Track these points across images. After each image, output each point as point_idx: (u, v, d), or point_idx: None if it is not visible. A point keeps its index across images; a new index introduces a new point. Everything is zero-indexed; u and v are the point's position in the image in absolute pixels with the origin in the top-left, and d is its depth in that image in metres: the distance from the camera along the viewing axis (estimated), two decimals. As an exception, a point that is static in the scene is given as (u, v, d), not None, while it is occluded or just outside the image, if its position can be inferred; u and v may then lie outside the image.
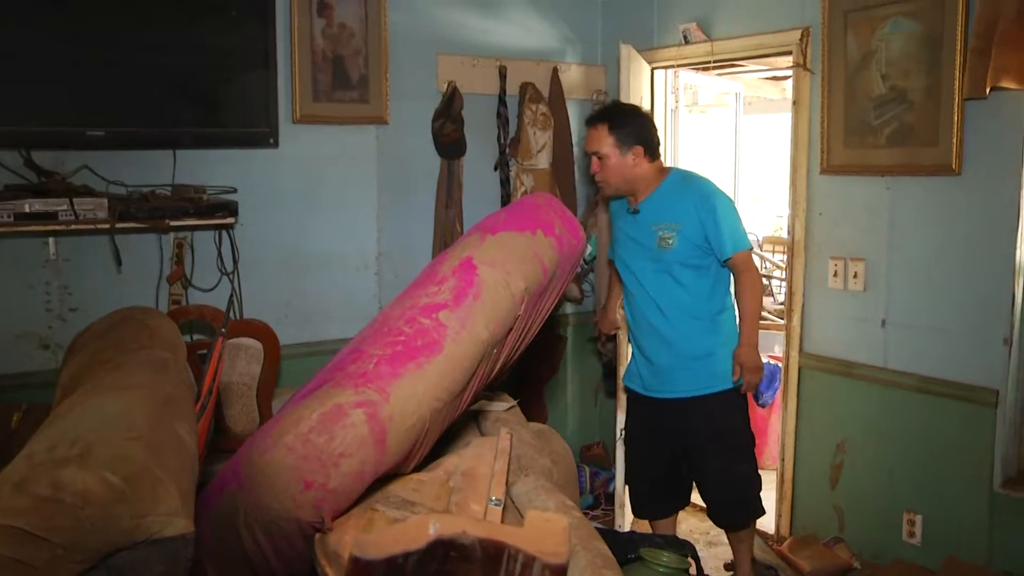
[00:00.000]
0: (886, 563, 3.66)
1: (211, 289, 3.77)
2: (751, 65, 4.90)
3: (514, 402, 3.09)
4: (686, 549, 3.09)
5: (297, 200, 4.02)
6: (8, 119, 3.19)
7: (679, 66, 4.54)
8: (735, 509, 3.41)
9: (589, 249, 4.67)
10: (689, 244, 3.25)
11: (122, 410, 1.91)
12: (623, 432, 3.73)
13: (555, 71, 4.71)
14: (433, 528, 1.54)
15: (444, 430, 2.44)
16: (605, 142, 3.30)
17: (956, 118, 3.29)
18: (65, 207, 3.13)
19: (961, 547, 3.44)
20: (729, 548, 3.63)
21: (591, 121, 3.40)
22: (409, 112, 4.26)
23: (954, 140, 3.31)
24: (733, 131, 5.36)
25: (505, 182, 4.58)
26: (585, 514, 3.93)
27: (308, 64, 3.93)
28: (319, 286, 4.10)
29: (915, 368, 3.56)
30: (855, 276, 3.75)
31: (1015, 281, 3.27)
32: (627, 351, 4.01)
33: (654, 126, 3.47)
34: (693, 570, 3.08)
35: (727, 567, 3.85)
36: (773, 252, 7.04)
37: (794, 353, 3.96)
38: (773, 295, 6.22)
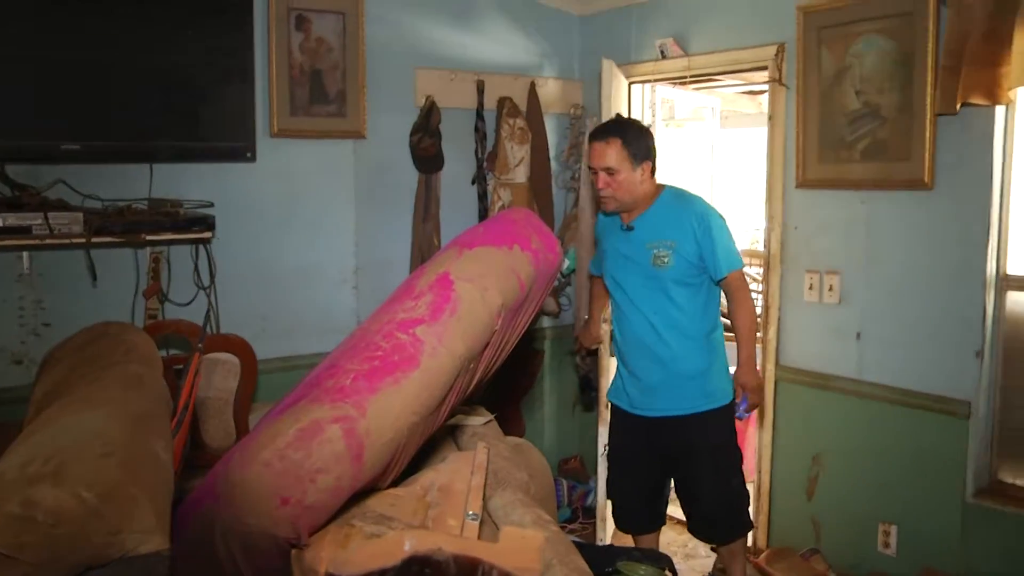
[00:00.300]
0: (862, 574, 3.69)
1: (188, 304, 3.75)
2: (728, 80, 4.95)
3: (491, 416, 3.08)
4: (664, 562, 3.08)
5: (275, 214, 4.01)
6: (-18, 133, 3.17)
7: (656, 81, 4.57)
8: (729, 524, 3.39)
9: (566, 263, 4.68)
10: (684, 262, 3.20)
11: (97, 426, 1.89)
12: (606, 448, 3.68)
13: (533, 85, 4.73)
14: (408, 545, 1.55)
15: (421, 445, 2.43)
16: (617, 157, 3.20)
17: (928, 134, 3.33)
18: (39, 221, 3.11)
19: (935, 557, 3.47)
20: (707, 561, 3.65)
21: (601, 135, 3.25)
22: (387, 126, 4.27)
23: (926, 155, 3.35)
24: (710, 145, 5.39)
25: (483, 196, 4.59)
26: (563, 527, 3.94)
27: (286, 78, 3.93)
28: (296, 300, 4.09)
29: (889, 380, 3.60)
30: (830, 289, 3.78)
31: (986, 294, 3.31)
32: (608, 365, 4.02)
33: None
34: (671, 583, 3.08)
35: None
36: (749, 265, 7.08)
37: (770, 366, 3.98)
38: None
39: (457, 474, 2.32)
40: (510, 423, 4.53)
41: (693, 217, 3.22)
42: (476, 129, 4.57)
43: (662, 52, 4.37)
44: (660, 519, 3.57)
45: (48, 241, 3.17)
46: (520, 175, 4.60)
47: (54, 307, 3.48)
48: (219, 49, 3.65)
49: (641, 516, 3.55)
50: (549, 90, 4.84)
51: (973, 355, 3.35)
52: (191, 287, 3.77)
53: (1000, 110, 3.23)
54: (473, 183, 4.60)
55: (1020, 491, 3.35)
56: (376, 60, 4.19)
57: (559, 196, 4.89)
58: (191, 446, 2.87)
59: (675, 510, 3.70)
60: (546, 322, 5.01)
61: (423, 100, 4.35)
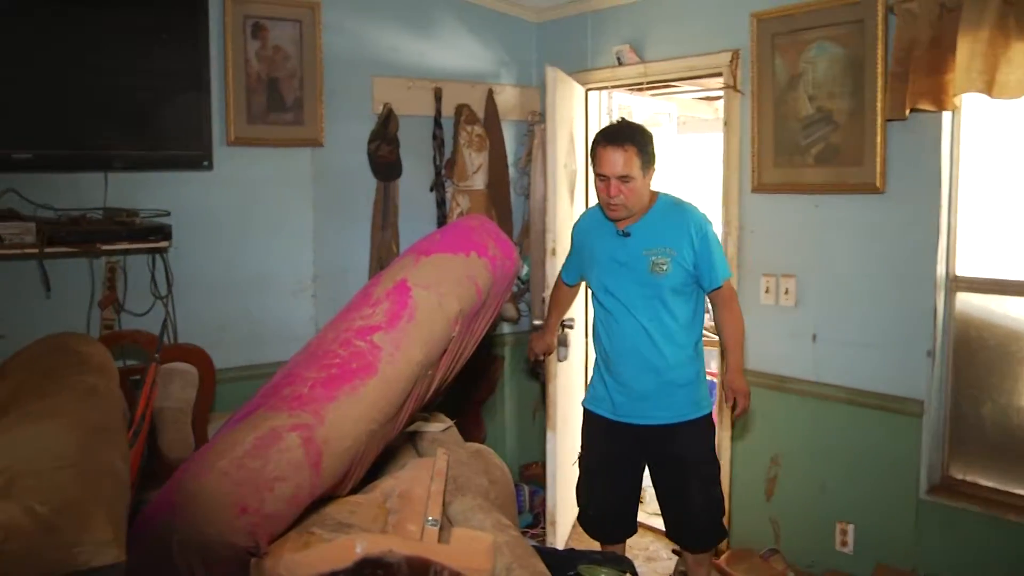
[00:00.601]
0: (820, 573, 3.74)
1: (145, 313, 3.72)
2: (684, 86, 4.99)
3: (451, 423, 3.09)
4: (625, 565, 3.09)
5: (232, 223, 4.00)
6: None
7: (613, 87, 4.61)
8: (712, 531, 3.37)
9: (524, 269, 4.70)
10: (682, 271, 3.17)
11: (50, 439, 1.87)
12: (580, 457, 3.55)
13: (490, 93, 4.75)
14: (360, 547, 1.55)
15: (380, 452, 2.44)
16: (633, 164, 3.11)
17: (879, 139, 3.39)
18: (-10, 232, 3.08)
19: (891, 554, 3.53)
20: (668, 564, 3.66)
21: (617, 142, 3.13)
22: (345, 134, 4.26)
23: (878, 159, 3.41)
24: (667, 150, 5.44)
25: (441, 203, 4.60)
26: (524, 533, 3.95)
27: (242, 86, 3.92)
28: (255, 309, 4.07)
29: (844, 381, 3.66)
30: (786, 292, 3.83)
31: (937, 295, 3.38)
32: (556, 371, 4.02)
33: None
34: (632, 586, 3.10)
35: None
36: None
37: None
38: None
39: (417, 480, 2.32)
40: (471, 429, 4.54)
41: (692, 225, 3.18)
42: (434, 136, 4.58)
43: (619, 59, 4.41)
44: (634, 527, 3.53)
45: None
46: (478, 182, 4.61)
47: (6, 319, 3.42)
48: (175, 57, 3.64)
49: (617, 525, 3.49)
50: (507, 97, 4.87)
51: (925, 355, 3.41)
52: (148, 297, 3.74)
53: (947, 116, 3.30)
54: (431, 190, 4.60)
55: (971, 487, 3.42)
56: (334, 68, 4.19)
57: (517, 202, 4.91)
58: (149, 457, 2.84)
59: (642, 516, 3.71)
60: (506, 328, 5.02)
61: (381, 108, 4.35)
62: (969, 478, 3.44)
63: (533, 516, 4.70)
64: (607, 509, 3.45)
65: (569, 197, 4.31)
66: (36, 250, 3.16)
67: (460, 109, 4.61)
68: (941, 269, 3.39)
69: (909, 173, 3.39)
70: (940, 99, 3.16)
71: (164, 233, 3.52)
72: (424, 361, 2.32)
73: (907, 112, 3.24)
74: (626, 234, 3.23)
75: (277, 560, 1.96)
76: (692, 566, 3.44)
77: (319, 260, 4.27)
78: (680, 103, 5.80)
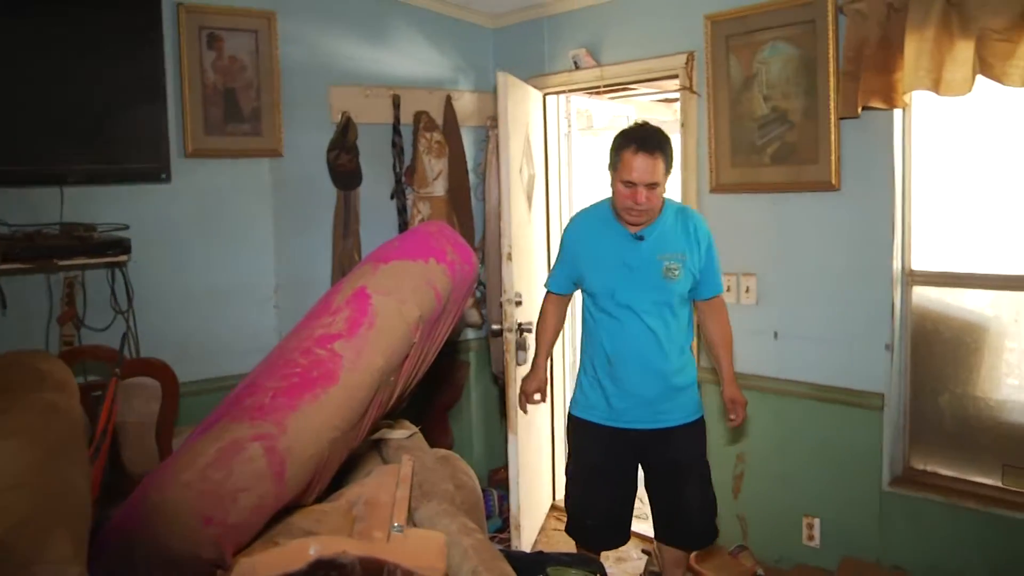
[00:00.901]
0: (788, 568, 3.77)
1: (105, 328, 3.68)
2: (642, 88, 5.03)
3: (416, 429, 3.08)
4: (594, 566, 3.09)
5: (192, 235, 3.97)
6: None
7: (571, 91, 4.64)
8: (708, 532, 3.39)
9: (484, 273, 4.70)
10: (690, 277, 3.18)
11: (6, 458, 1.85)
12: (570, 466, 3.47)
13: (448, 99, 4.76)
14: (313, 550, 1.56)
15: (345, 460, 2.43)
16: (660, 171, 3.06)
17: (833, 137, 3.44)
18: (-58, 249, 3.04)
19: (856, 546, 3.58)
20: (638, 564, 3.67)
21: (647, 148, 3.04)
22: (303, 144, 4.25)
23: (832, 157, 3.46)
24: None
25: (402, 210, 4.60)
26: (493, 537, 3.95)
27: (199, 97, 3.89)
28: (218, 321, 4.05)
29: (806, 377, 3.70)
30: (747, 291, 3.87)
31: (894, 289, 3.43)
32: (517, 376, 3.93)
33: None
34: (601, 586, 3.10)
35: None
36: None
37: (692, 368, 4.04)
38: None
39: (382, 487, 2.33)
40: (438, 435, 4.53)
41: (700, 232, 3.20)
42: (393, 144, 4.58)
43: (575, 63, 4.44)
44: (627, 534, 3.48)
45: (-47, 269, 3.09)
46: (439, 188, 4.61)
47: (-37, 337, 3.40)
48: (130, 69, 3.60)
49: (616, 532, 3.45)
50: (465, 103, 4.88)
51: (883, 348, 3.47)
52: (108, 311, 3.71)
53: (898, 113, 3.36)
54: (392, 198, 4.60)
55: (932, 477, 3.48)
56: (291, 78, 4.18)
57: (478, 208, 4.92)
58: (112, 472, 2.81)
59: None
60: (471, 333, 5.02)
61: (339, 116, 4.34)
62: (930, 468, 3.50)
63: (503, 520, 4.69)
64: (604, 517, 3.40)
65: (527, 202, 4.31)
66: (-9, 267, 3.13)
67: (419, 116, 4.61)
68: (897, 264, 3.44)
69: (863, 170, 3.45)
70: (890, 97, 3.22)
71: (123, 247, 3.49)
72: (385, 368, 2.32)
73: (859, 110, 3.29)
74: (640, 238, 3.18)
75: (233, 564, 1.96)
76: (669, 564, 3.45)
77: (281, 270, 4.26)
78: (638, 105, 5.83)
